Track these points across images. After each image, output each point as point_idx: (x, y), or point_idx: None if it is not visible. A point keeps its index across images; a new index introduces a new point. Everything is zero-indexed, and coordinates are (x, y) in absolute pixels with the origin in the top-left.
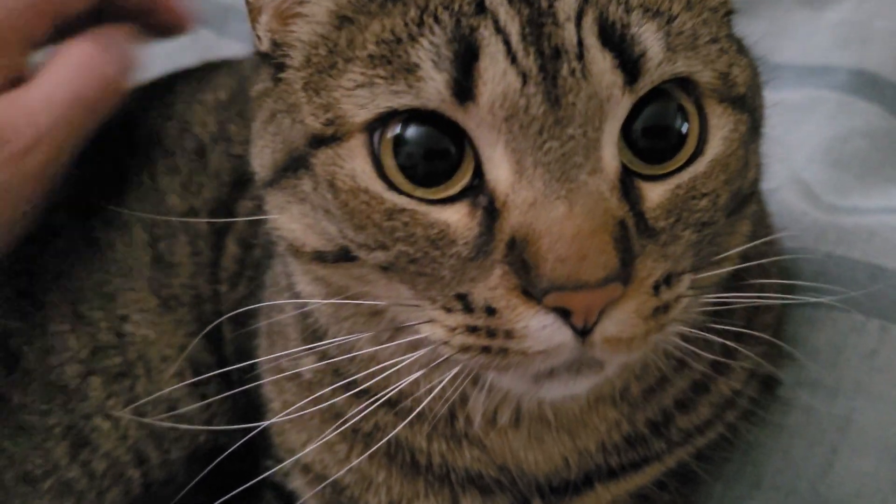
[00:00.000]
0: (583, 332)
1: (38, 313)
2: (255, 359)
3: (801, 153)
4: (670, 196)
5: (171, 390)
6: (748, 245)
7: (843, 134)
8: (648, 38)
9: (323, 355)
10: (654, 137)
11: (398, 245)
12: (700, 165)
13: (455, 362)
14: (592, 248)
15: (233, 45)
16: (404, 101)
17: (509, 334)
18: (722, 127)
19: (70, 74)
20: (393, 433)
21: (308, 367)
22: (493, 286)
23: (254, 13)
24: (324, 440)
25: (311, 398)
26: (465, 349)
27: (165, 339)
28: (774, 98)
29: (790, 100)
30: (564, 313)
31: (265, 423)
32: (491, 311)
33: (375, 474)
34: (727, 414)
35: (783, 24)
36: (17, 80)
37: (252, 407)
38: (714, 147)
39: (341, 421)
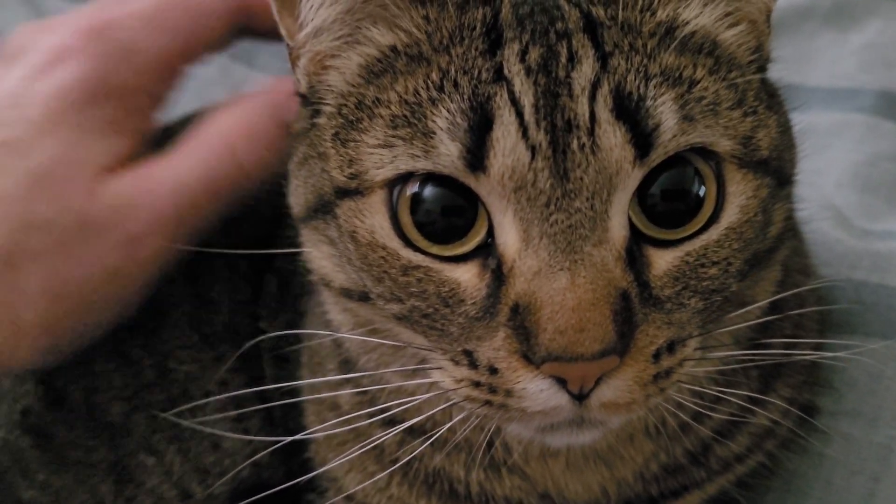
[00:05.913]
0: (579, 397)
1: (83, 353)
2: (297, 392)
3: (830, 178)
4: (679, 263)
5: (214, 425)
6: (785, 294)
7: (871, 158)
8: (664, 110)
9: (358, 385)
10: (670, 201)
11: (412, 300)
12: (713, 233)
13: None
14: (591, 321)
15: (263, 79)
16: (420, 164)
17: (509, 393)
18: (739, 194)
19: (205, 158)
20: (413, 457)
21: (346, 397)
22: (496, 347)
23: (293, 57)
24: (364, 469)
25: (349, 428)
26: (469, 399)
27: (208, 374)
28: (802, 121)
29: (818, 123)
30: (561, 380)
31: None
32: (493, 370)
33: (415, 503)
34: (766, 443)
35: (809, 47)
36: (145, 141)
37: (294, 441)
38: (730, 215)
39: (378, 450)
